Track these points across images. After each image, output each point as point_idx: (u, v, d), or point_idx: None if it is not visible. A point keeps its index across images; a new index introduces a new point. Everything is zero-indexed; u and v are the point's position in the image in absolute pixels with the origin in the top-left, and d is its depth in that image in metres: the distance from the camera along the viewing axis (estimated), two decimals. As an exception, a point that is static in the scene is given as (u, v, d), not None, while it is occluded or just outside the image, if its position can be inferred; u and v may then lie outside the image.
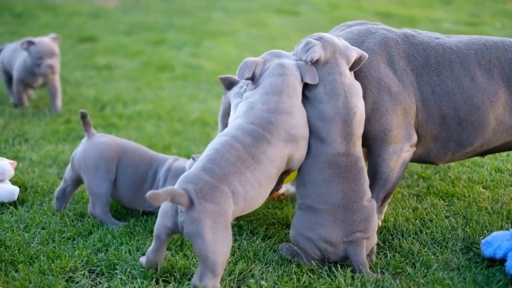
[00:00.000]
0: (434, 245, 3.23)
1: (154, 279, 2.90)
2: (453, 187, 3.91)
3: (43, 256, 3.10)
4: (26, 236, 3.31)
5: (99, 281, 2.95)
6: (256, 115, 2.96)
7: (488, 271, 2.98)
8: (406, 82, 3.25)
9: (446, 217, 3.52)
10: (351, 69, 3.12)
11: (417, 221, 3.46)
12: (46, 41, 5.30)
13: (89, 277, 2.97)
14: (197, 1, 10.61)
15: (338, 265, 3.00)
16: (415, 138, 3.27)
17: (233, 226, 3.42)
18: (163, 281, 2.90)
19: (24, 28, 8.52)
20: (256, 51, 7.03)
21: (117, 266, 3.02)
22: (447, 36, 3.46)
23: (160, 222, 2.82)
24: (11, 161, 3.88)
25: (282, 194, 3.82)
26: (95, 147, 3.54)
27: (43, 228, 3.43)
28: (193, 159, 3.34)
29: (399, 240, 3.28)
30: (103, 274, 3.00)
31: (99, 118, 5.30)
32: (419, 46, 3.33)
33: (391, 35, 3.33)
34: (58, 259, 3.07)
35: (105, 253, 3.16)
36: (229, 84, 3.51)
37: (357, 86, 3.11)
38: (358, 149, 3.05)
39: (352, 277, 2.89)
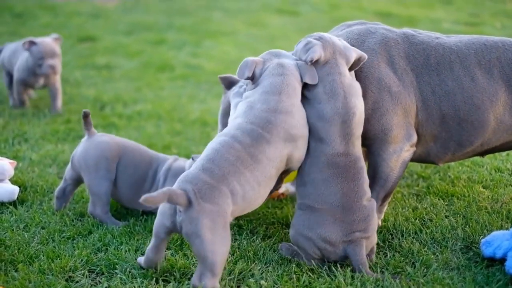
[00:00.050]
0: (434, 244, 3.23)
1: (154, 278, 2.90)
2: (453, 187, 3.91)
3: (43, 256, 3.10)
4: (26, 235, 3.31)
5: (99, 281, 2.95)
6: (256, 114, 2.96)
7: (488, 271, 2.98)
8: (406, 82, 3.25)
9: (446, 216, 3.52)
10: (350, 69, 3.12)
11: (417, 220, 3.46)
12: (48, 41, 5.30)
13: (89, 277, 2.97)
14: (197, 1, 10.61)
15: (338, 264, 3.00)
16: (415, 138, 3.27)
17: (232, 225, 3.43)
18: (163, 280, 2.90)
19: (24, 28, 8.52)
20: (256, 51, 7.01)
21: (117, 266, 3.02)
22: (447, 36, 3.46)
23: (159, 221, 2.82)
24: (11, 161, 3.88)
25: (282, 194, 3.82)
26: (96, 147, 3.54)
27: (43, 228, 3.43)
28: (192, 159, 3.34)
29: (399, 239, 3.28)
30: (103, 273, 3.00)
31: (99, 118, 5.29)
32: (419, 46, 3.33)
33: (391, 34, 3.33)
34: (58, 258, 3.07)
35: (105, 253, 3.16)
36: (229, 84, 3.51)
37: (357, 86, 3.11)
38: (358, 149, 3.05)
39: (352, 277, 2.89)
